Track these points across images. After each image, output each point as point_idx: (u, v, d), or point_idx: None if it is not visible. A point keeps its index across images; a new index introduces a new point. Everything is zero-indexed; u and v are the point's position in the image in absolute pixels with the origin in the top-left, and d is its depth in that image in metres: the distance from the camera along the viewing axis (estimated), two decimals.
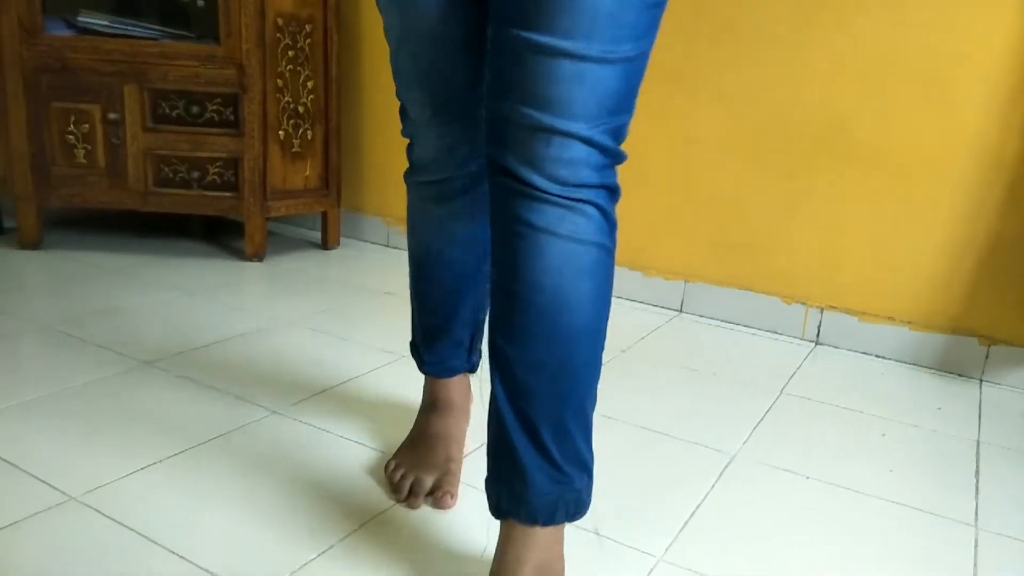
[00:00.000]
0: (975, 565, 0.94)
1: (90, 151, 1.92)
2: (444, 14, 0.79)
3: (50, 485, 0.96)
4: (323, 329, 1.57)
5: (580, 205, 0.70)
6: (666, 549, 0.92)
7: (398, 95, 0.91)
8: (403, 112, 0.93)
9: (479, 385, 1.17)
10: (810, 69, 1.61)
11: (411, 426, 1.11)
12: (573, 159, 0.69)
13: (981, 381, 1.54)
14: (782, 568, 0.90)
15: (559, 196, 0.69)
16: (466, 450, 1.07)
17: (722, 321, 1.79)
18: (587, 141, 0.68)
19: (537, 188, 0.69)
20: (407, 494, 0.97)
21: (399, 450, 1.04)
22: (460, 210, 0.94)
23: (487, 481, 0.78)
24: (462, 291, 1.00)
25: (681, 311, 1.84)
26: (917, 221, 1.57)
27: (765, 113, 1.67)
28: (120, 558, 0.84)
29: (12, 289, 1.68)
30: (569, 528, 0.92)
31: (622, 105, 0.70)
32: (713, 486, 1.07)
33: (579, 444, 0.76)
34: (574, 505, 0.77)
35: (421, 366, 1.06)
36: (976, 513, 1.05)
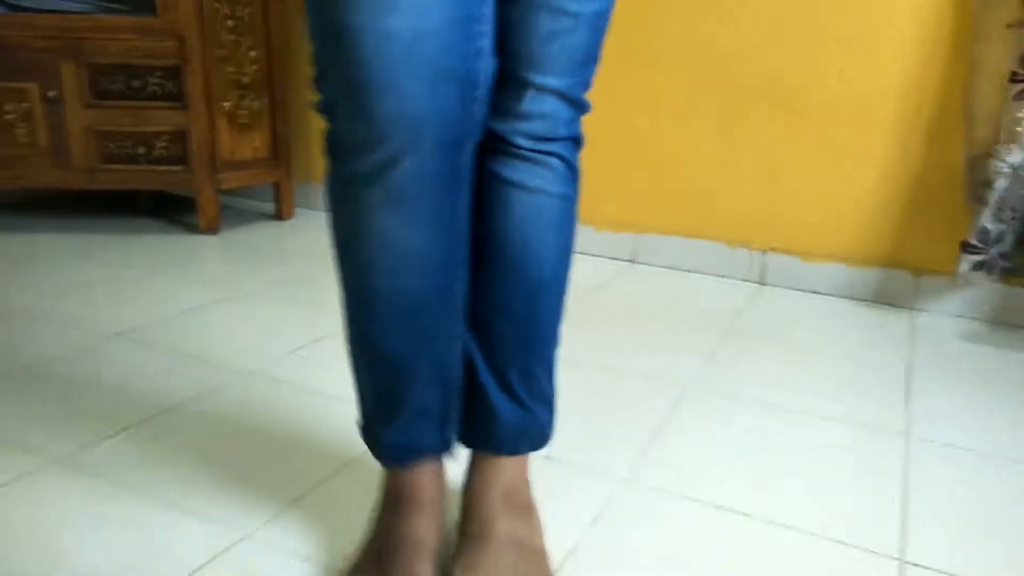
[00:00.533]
0: (905, 467, 1.03)
1: (31, 131, 1.89)
2: None
3: (30, 451, 0.98)
4: (286, 296, 1.59)
5: (548, 158, 0.74)
6: (627, 470, 0.99)
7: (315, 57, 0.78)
8: (319, 79, 0.72)
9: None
10: (743, 24, 1.67)
11: None
12: (545, 113, 0.71)
13: (912, 310, 1.65)
14: (735, 482, 0.98)
15: (529, 150, 0.72)
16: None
17: (672, 268, 1.87)
18: (559, 94, 0.71)
19: (508, 142, 0.72)
20: None
21: (356, 565, 0.77)
22: (415, 212, 0.70)
23: (462, 417, 0.80)
24: (428, 331, 0.73)
25: (633, 261, 1.91)
26: (850, 163, 1.66)
27: (702, 68, 1.73)
28: (109, 514, 0.87)
29: None
30: (536, 455, 0.98)
31: (590, 57, 0.73)
32: (669, 414, 1.15)
33: (543, 383, 0.81)
34: (537, 437, 0.82)
35: (376, 451, 0.79)
36: (907, 424, 1.15)
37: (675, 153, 1.81)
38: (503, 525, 0.77)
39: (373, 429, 0.78)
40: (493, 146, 0.73)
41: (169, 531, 0.84)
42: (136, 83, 1.89)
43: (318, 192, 2.32)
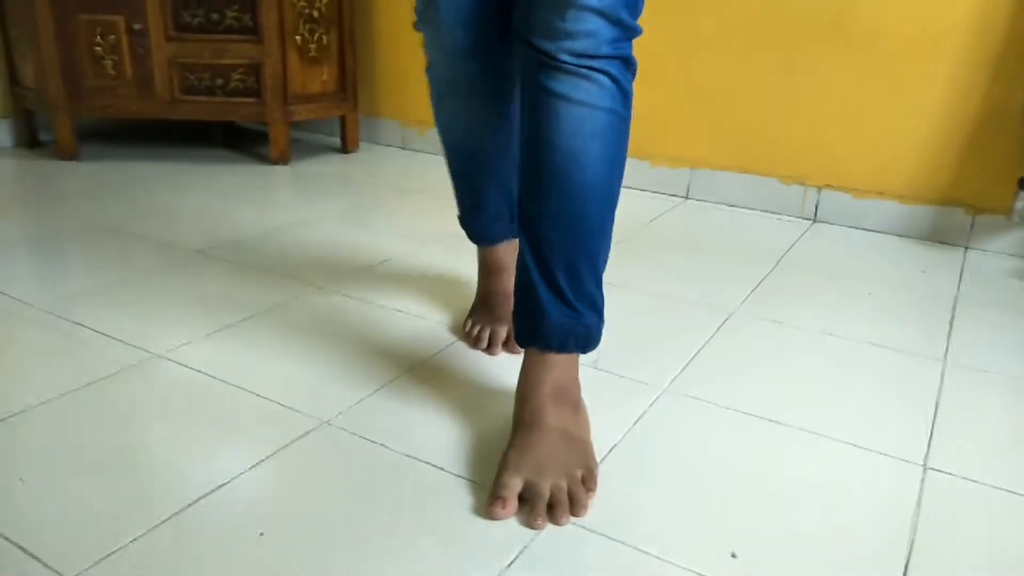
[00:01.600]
0: (939, 388, 1.08)
1: (117, 62, 2.01)
2: None
3: (134, 346, 1.11)
4: (354, 222, 1.70)
5: (594, 74, 0.80)
6: (671, 381, 1.07)
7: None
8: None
9: None
10: None
11: (448, 296, 1.28)
12: (588, 31, 0.78)
13: (966, 248, 1.65)
14: (774, 397, 1.05)
15: (575, 65, 0.79)
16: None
17: (726, 204, 1.90)
18: (600, 13, 0.77)
19: (554, 58, 0.79)
20: (487, 344, 1.13)
21: (472, 309, 1.19)
22: (468, 102, 1.03)
23: (513, 315, 0.91)
24: (491, 167, 1.09)
25: (687, 197, 1.95)
26: (908, 100, 1.65)
27: (765, 4, 1.73)
28: (203, 399, 0.99)
29: (56, 196, 1.80)
30: (586, 368, 1.07)
31: None
32: (713, 335, 1.21)
33: (589, 286, 0.88)
34: (584, 338, 0.89)
35: (470, 235, 1.17)
36: (946, 351, 1.19)
37: (734, 89, 1.82)
38: (552, 416, 0.86)
39: (466, 220, 1.16)
40: (543, 61, 0.80)
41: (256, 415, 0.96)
42: (215, 16, 1.99)
43: (382, 126, 2.40)
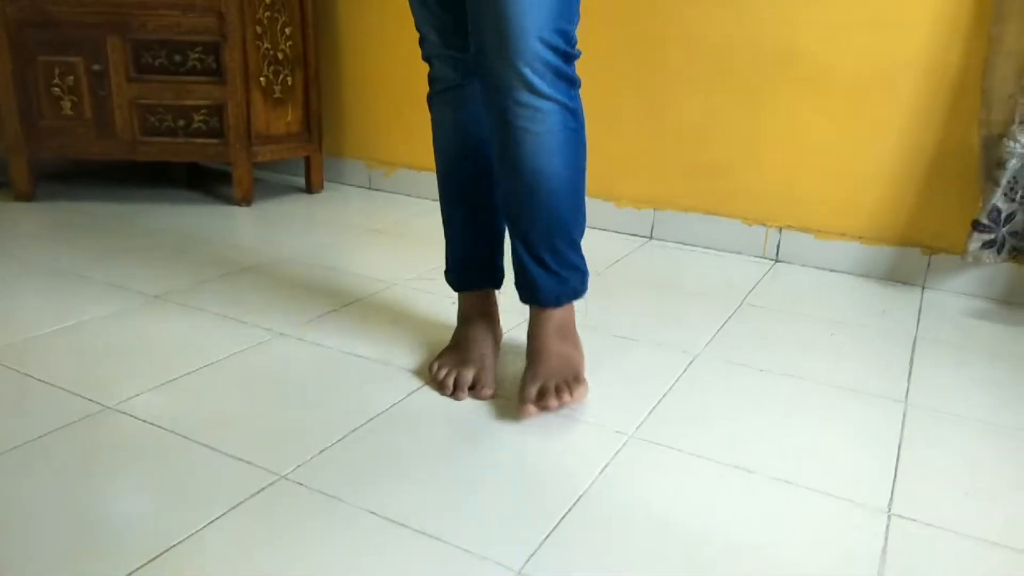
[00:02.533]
0: (901, 434, 1.08)
1: (77, 103, 1.98)
2: None
3: (85, 398, 1.07)
4: (317, 263, 1.68)
5: (545, 104, 0.97)
6: (636, 428, 1.06)
7: (416, 26, 1.11)
8: (421, 40, 1.12)
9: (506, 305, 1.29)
10: (768, 1, 1.70)
11: (411, 339, 1.26)
12: (535, 71, 0.94)
13: (923, 288, 1.68)
14: (739, 442, 1.04)
15: (527, 104, 0.96)
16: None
17: (690, 245, 1.92)
18: (543, 57, 0.93)
19: (509, 98, 0.96)
20: (453, 389, 1.13)
21: (441, 354, 1.21)
22: (471, 112, 1.12)
23: (515, 284, 1.12)
24: (469, 196, 1.17)
25: (651, 237, 1.97)
26: (866, 141, 1.69)
27: (724, 45, 1.77)
28: (156, 453, 0.95)
29: (11, 238, 1.76)
30: (554, 415, 1.06)
31: (566, 15, 0.94)
32: (678, 379, 1.21)
33: (570, 256, 1.09)
34: (572, 293, 1.12)
35: (450, 281, 1.23)
36: (907, 392, 1.20)
37: (697, 132, 1.85)
38: (555, 347, 1.11)
39: (451, 271, 1.22)
40: (499, 100, 0.97)
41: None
42: (177, 58, 1.98)
43: (348, 167, 2.39)
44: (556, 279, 1.09)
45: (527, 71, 0.94)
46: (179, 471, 0.92)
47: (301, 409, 1.07)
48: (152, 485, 0.89)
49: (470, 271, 1.22)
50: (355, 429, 1.03)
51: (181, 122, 2.02)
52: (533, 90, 0.95)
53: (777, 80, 1.74)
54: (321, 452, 0.97)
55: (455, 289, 1.24)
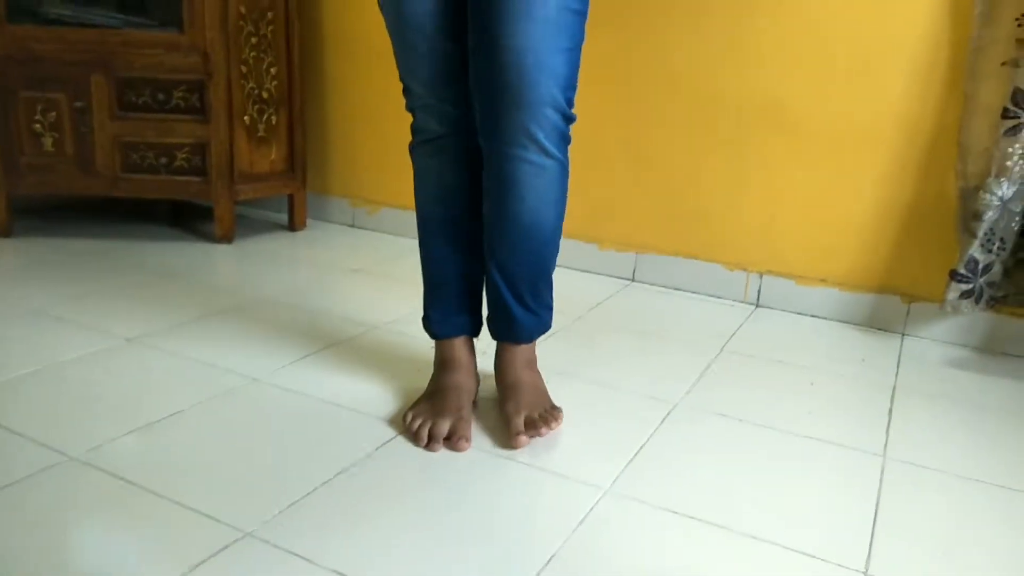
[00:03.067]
0: (879, 489, 1.07)
1: (58, 139, 1.97)
2: (433, 13, 1.04)
3: (48, 447, 1.04)
4: (297, 304, 1.66)
5: (547, 162, 1.05)
6: (612, 482, 1.04)
7: (401, 78, 1.11)
8: (406, 90, 1.13)
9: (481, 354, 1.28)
10: (751, 53, 1.73)
11: (387, 386, 1.25)
12: (545, 129, 1.02)
13: (903, 335, 1.69)
14: (715, 498, 1.03)
15: (533, 161, 1.04)
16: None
17: (671, 288, 1.92)
18: (553, 121, 1.02)
19: (524, 159, 1.04)
20: (427, 440, 1.11)
21: (416, 404, 1.19)
22: (454, 162, 1.14)
23: (488, 320, 1.19)
24: (452, 242, 1.18)
25: (633, 280, 1.97)
26: (847, 190, 1.71)
27: (709, 94, 1.79)
28: (117, 509, 0.93)
29: None
30: (530, 468, 1.04)
31: (572, 83, 1.03)
32: (656, 430, 1.20)
33: (546, 296, 1.18)
34: (544, 328, 1.20)
35: (429, 328, 1.23)
36: (886, 445, 1.19)
37: (680, 177, 1.87)
38: (527, 379, 1.20)
39: (427, 313, 1.23)
40: (507, 159, 1.04)
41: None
42: (161, 96, 1.98)
43: (332, 204, 2.39)
44: (534, 317, 1.17)
45: (540, 134, 1.02)
46: (139, 528, 0.89)
47: (271, 460, 1.05)
48: (110, 543, 0.86)
49: (448, 318, 1.22)
50: (326, 481, 1.00)
51: (163, 160, 2.01)
52: (543, 151, 1.03)
53: (759, 130, 1.76)
54: (290, 506, 0.95)
55: (433, 337, 1.24)
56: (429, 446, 1.10)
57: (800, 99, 1.71)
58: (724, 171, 1.81)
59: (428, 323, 1.23)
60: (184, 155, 2.02)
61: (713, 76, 1.78)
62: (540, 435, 1.12)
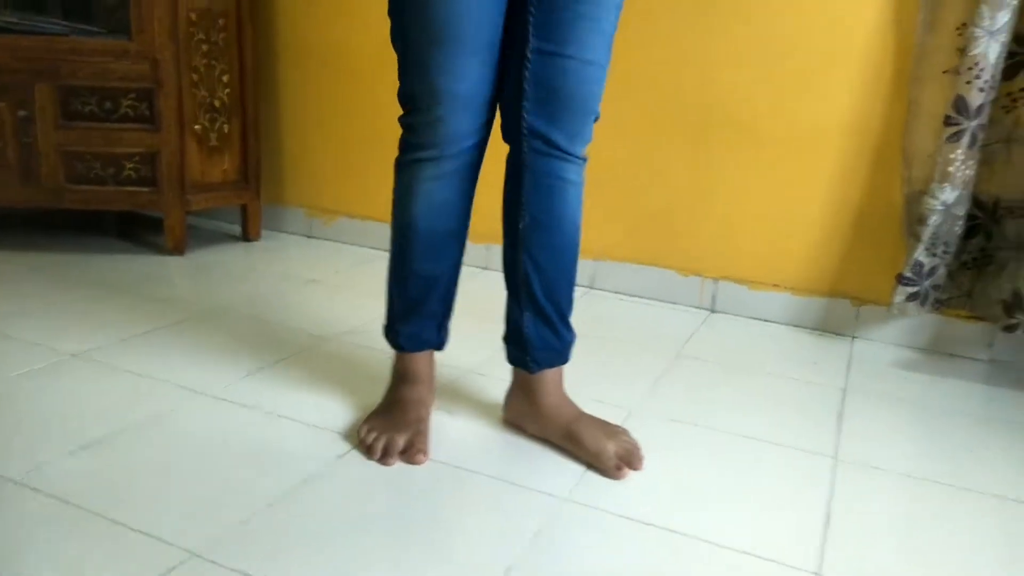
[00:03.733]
0: (831, 490, 1.09)
1: (0, 149, 1.91)
2: (480, 20, 1.00)
3: None
4: (249, 316, 1.63)
5: (581, 161, 1.10)
6: (570, 490, 1.04)
7: (411, 87, 1.05)
8: (412, 101, 1.06)
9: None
10: (704, 62, 1.75)
11: (342, 399, 1.22)
12: (588, 131, 1.08)
13: (853, 338, 1.72)
14: (670, 503, 1.03)
15: (577, 158, 1.08)
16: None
17: (628, 295, 1.93)
18: (596, 118, 1.08)
19: (570, 154, 1.07)
20: (381, 454, 1.08)
21: (370, 416, 1.16)
22: (451, 181, 1.11)
23: (534, 350, 1.15)
24: (441, 259, 1.15)
25: (592, 287, 1.97)
26: (799, 196, 1.74)
27: (663, 102, 1.81)
28: (58, 532, 0.90)
29: None
30: (488, 479, 1.03)
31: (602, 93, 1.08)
32: None
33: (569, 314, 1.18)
34: (571, 348, 1.19)
35: (396, 342, 1.19)
36: (837, 446, 1.21)
37: (636, 184, 1.88)
38: (573, 405, 1.19)
39: (395, 327, 1.18)
40: (560, 156, 1.07)
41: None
42: (109, 105, 1.93)
43: (287, 215, 2.36)
44: (570, 333, 1.17)
45: (583, 143, 1.08)
46: (82, 551, 0.86)
47: (220, 477, 1.03)
48: (50, 568, 0.83)
49: (421, 333, 1.18)
50: (277, 498, 0.98)
51: (111, 170, 1.96)
52: (583, 159, 1.10)
53: (713, 137, 1.78)
54: (239, 524, 0.93)
55: (401, 349, 1.20)
56: (383, 460, 1.08)
57: (754, 107, 1.73)
58: (679, 179, 1.83)
59: (395, 337, 1.19)
60: (133, 165, 1.97)
61: (669, 84, 1.80)
62: (638, 462, 1.11)
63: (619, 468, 1.08)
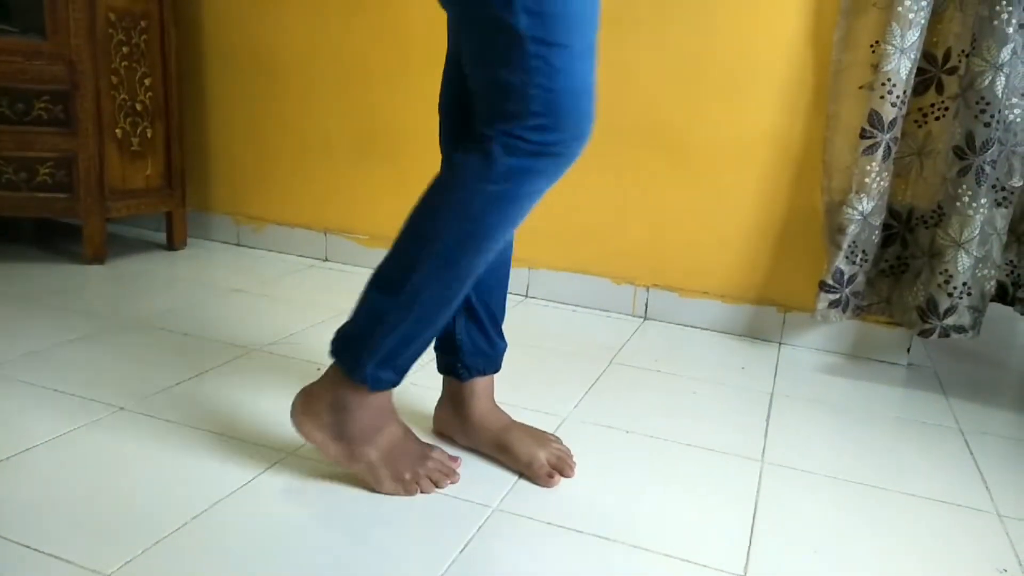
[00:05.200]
0: (757, 493, 1.11)
1: None
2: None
3: None
4: (171, 328, 1.57)
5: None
6: (500, 500, 1.03)
7: (577, 84, 1.05)
8: (571, 100, 1.04)
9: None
10: (633, 76, 1.78)
11: (266, 412, 1.18)
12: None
13: (780, 344, 1.77)
14: (601, 510, 1.03)
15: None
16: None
17: (563, 303, 1.94)
18: None
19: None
20: (428, 488, 1.04)
21: (375, 471, 1.02)
22: None
23: (468, 356, 1.12)
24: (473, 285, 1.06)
25: (527, 296, 1.98)
26: (725, 206, 1.78)
27: (597, 117, 1.83)
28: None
29: None
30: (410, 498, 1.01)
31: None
32: None
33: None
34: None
35: (380, 385, 0.99)
36: (764, 450, 1.24)
37: (568, 193, 1.89)
38: (501, 413, 1.18)
39: (387, 364, 0.97)
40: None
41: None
42: (21, 106, 1.84)
43: (214, 222, 2.29)
44: (504, 344, 1.17)
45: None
46: None
47: (135, 496, 0.98)
48: None
49: (407, 371, 1.01)
50: (195, 516, 0.94)
51: (23, 174, 1.87)
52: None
53: (642, 150, 1.81)
54: (155, 544, 0.88)
55: (379, 390, 0.99)
56: (439, 486, 1.05)
57: (678, 120, 1.77)
58: (610, 189, 1.86)
59: (377, 382, 0.98)
60: (47, 170, 1.88)
61: (599, 100, 1.81)
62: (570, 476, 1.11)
63: (551, 476, 1.08)
